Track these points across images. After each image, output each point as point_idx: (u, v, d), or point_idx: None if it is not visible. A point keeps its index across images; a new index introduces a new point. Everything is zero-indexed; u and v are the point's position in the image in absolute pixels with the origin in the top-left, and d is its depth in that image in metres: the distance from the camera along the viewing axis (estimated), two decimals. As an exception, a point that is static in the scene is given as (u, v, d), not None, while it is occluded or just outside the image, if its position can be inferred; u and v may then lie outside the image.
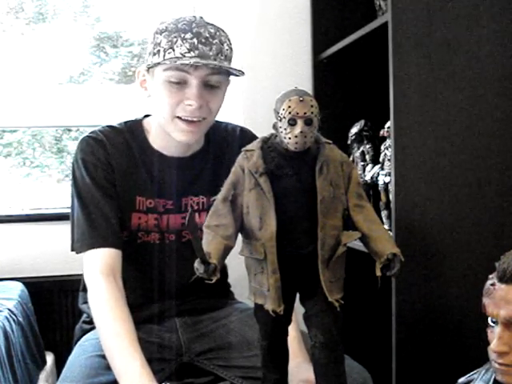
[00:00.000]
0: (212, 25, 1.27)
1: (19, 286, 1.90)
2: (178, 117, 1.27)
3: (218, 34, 1.26)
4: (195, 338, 1.38)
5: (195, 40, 1.22)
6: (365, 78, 1.98)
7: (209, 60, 1.23)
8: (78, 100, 2.32)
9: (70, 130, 2.60)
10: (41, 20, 2.48)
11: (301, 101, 0.85)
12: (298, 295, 0.95)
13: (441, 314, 1.45)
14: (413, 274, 1.41)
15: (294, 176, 0.90)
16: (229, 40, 1.29)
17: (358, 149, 1.78)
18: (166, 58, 1.23)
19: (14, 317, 1.66)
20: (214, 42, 1.24)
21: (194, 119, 1.26)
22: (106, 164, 1.32)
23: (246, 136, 1.43)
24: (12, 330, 1.61)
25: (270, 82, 2.06)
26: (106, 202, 1.30)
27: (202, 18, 1.28)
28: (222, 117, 1.48)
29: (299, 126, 0.85)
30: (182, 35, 1.22)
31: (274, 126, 0.89)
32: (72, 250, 1.31)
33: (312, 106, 0.85)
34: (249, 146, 0.92)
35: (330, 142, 0.94)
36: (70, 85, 2.48)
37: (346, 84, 2.02)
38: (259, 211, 0.89)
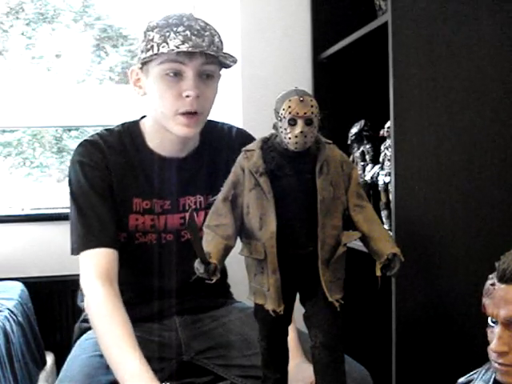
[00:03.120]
0: (201, 20, 1.29)
1: (19, 286, 1.90)
2: (179, 113, 1.27)
3: (208, 27, 1.28)
4: (195, 336, 1.38)
5: (188, 32, 1.24)
6: (365, 78, 1.98)
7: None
8: (78, 100, 2.32)
9: (70, 130, 2.60)
10: (41, 20, 2.48)
11: (301, 101, 0.85)
12: (298, 295, 0.96)
13: (441, 314, 1.45)
14: (413, 273, 1.41)
15: (294, 176, 0.90)
16: (218, 34, 1.30)
17: (358, 149, 1.78)
18: (160, 51, 1.24)
19: (13, 317, 1.66)
20: (206, 34, 1.26)
21: (193, 111, 1.27)
22: (102, 166, 1.32)
23: (242, 136, 1.43)
24: (12, 330, 1.61)
25: (269, 82, 2.06)
26: (100, 204, 1.30)
27: (191, 14, 1.30)
28: (221, 117, 1.48)
29: (299, 126, 0.85)
30: (175, 29, 1.24)
31: (274, 126, 0.89)
32: (71, 253, 1.31)
33: (312, 106, 0.85)
34: (249, 146, 0.92)
35: (330, 141, 0.94)
36: (70, 85, 2.48)
37: (346, 84, 2.02)
38: (259, 211, 0.89)
